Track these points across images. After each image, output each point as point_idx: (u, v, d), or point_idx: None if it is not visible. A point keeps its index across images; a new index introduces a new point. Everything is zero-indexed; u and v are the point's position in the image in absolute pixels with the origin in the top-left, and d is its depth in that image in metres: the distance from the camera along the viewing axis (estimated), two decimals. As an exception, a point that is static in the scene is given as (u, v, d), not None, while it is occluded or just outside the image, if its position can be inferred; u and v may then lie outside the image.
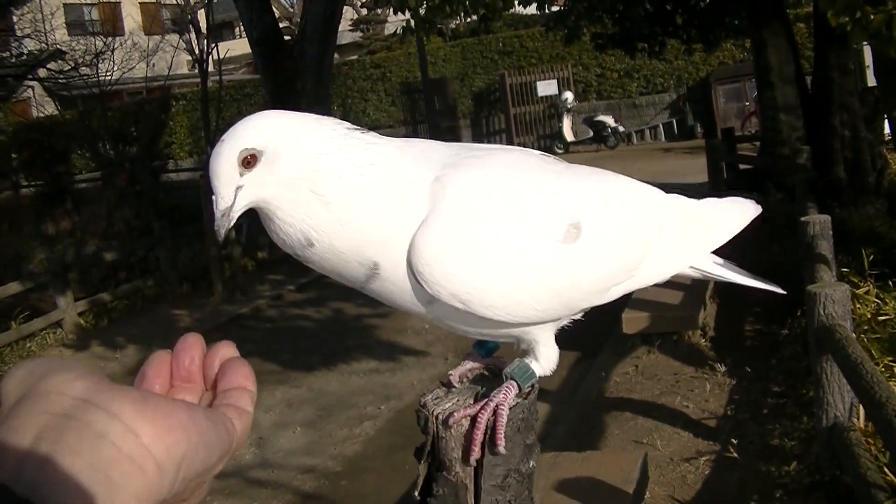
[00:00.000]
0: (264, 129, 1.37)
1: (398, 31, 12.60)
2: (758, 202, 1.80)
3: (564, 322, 1.59)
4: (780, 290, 1.82)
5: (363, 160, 1.39)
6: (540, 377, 1.56)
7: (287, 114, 1.43)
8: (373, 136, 1.45)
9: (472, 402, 1.53)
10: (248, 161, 1.34)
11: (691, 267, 1.72)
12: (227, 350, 0.95)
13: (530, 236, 1.42)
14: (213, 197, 1.36)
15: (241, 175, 1.34)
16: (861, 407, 5.11)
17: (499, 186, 1.44)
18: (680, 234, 1.67)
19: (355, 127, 1.45)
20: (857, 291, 7.22)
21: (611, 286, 1.56)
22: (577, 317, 1.59)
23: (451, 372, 1.62)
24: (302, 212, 1.35)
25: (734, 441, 6.08)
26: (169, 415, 0.79)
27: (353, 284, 1.44)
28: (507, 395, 1.48)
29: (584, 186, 1.54)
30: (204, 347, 0.95)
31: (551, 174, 1.52)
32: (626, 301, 8.41)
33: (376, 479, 6.93)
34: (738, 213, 1.76)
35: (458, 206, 1.38)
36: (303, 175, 1.35)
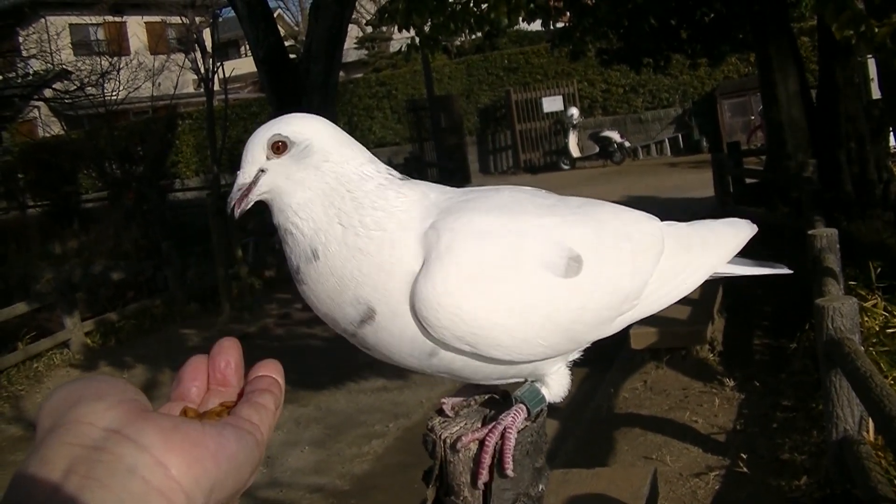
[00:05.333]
0: (304, 124, 1.42)
1: (403, 49, 12.60)
2: (755, 221, 1.80)
3: (575, 356, 1.59)
4: (787, 271, 1.82)
5: (390, 204, 1.41)
6: (549, 403, 1.56)
7: (332, 125, 1.47)
8: (405, 183, 1.47)
9: (479, 425, 1.52)
10: (279, 147, 1.39)
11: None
12: (270, 365, 0.97)
13: (531, 274, 1.41)
14: (238, 172, 1.41)
15: (269, 159, 1.39)
16: (871, 420, 5.09)
17: (494, 227, 1.43)
18: (680, 260, 1.67)
19: (391, 171, 1.48)
20: (865, 304, 7.20)
21: (615, 317, 1.56)
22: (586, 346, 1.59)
23: (444, 399, 1.61)
24: (316, 217, 1.39)
25: (744, 456, 6.06)
26: (198, 444, 0.80)
27: (342, 325, 1.43)
28: (515, 419, 1.47)
29: (578, 219, 1.53)
30: (240, 351, 0.97)
31: (544, 209, 1.52)
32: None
33: (385, 497, 6.91)
34: (733, 234, 1.76)
35: (456, 251, 1.38)
36: (330, 185, 1.39)
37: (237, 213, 1.43)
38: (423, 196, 1.47)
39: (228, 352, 0.97)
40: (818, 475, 5.54)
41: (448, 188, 1.55)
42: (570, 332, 1.47)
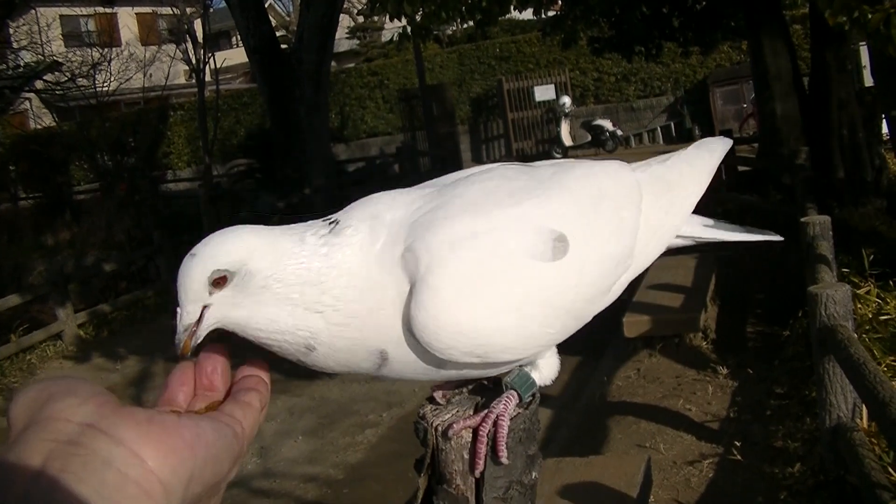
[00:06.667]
0: (238, 249, 1.34)
1: (395, 38, 12.58)
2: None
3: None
4: (777, 238, 1.79)
5: (345, 266, 1.36)
6: (541, 386, 1.55)
7: (259, 230, 1.39)
8: (343, 231, 1.41)
9: (471, 412, 1.51)
10: (219, 282, 1.31)
11: (680, 236, 1.68)
12: (257, 363, 0.97)
13: (520, 268, 1.39)
14: (178, 309, 1.31)
15: (211, 294, 1.31)
16: (864, 407, 5.10)
17: (470, 232, 1.40)
18: (662, 202, 1.63)
19: (326, 220, 1.42)
20: (858, 291, 7.21)
21: (613, 282, 1.53)
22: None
23: (434, 387, 1.60)
24: (287, 325, 1.34)
25: (737, 443, 6.07)
26: (173, 435, 0.80)
27: (365, 373, 1.41)
28: (507, 406, 1.46)
29: (553, 193, 1.50)
30: (227, 355, 0.96)
31: (517, 193, 1.48)
32: (627, 305, 8.41)
33: (379, 486, 6.92)
34: (708, 154, 1.73)
35: (438, 269, 1.35)
36: (285, 293, 1.33)
37: (188, 352, 1.29)
38: (372, 228, 1.42)
39: (215, 357, 0.97)
40: (812, 462, 5.55)
41: (405, 190, 1.52)
42: (573, 311, 1.46)
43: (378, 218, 1.44)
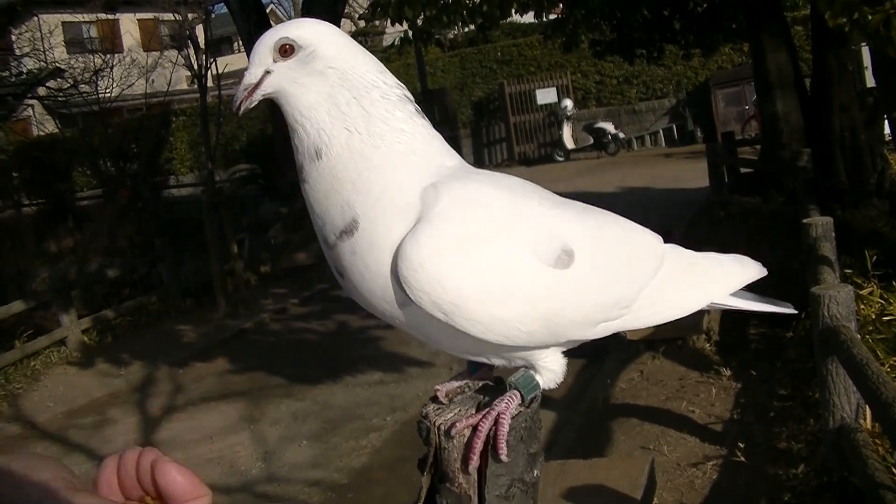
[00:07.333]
0: (314, 31, 1.45)
1: (396, 43, 12.61)
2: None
3: (564, 348, 1.57)
4: (792, 311, 1.79)
5: (396, 123, 1.44)
6: (544, 389, 1.55)
7: (342, 33, 1.50)
8: (419, 116, 1.50)
9: (474, 411, 1.52)
10: (286, 50, 1.42)
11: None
12: (150, 455, 0.92)
13: (520, 257, 1.40)
14: (245, 72, 1.46)
15: (275, 61, 1.43)
16: (868, 408, 5.09)
17: (495, 203, 1.43)
18: (677, 282, 1.64)
19: (404, 89, 1.50)
20: (860, 292, 7.20)
21: (599, 321, 1.53)
22: (574, 345, 1.57)
23: (437, 387, 1.60)
24: (320, 120, 1.42)
25: (741, 445, 6.07)
26: None
27: (326, 233, 1.45)
28: (509, 405, 1.46)
29: (581, 218, 1.53)
30: (155, 454, 0.92)
31: (550, 202, 1.52)
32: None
33: (383, 490, 6.92)
34: (739, 271, 1.73)
35: (452, 216, 1.38)
36: (335, 90, 1.42)
37: (241, 110, 1.48)
38: (428, 140, 1.48)
39: (108, 469, 0.93)
40: (815, 463, 5.54)
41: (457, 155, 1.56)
42: (551, 323, 1.45)
43: (449, 153, 1.52)
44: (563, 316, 1.46)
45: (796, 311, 1.81)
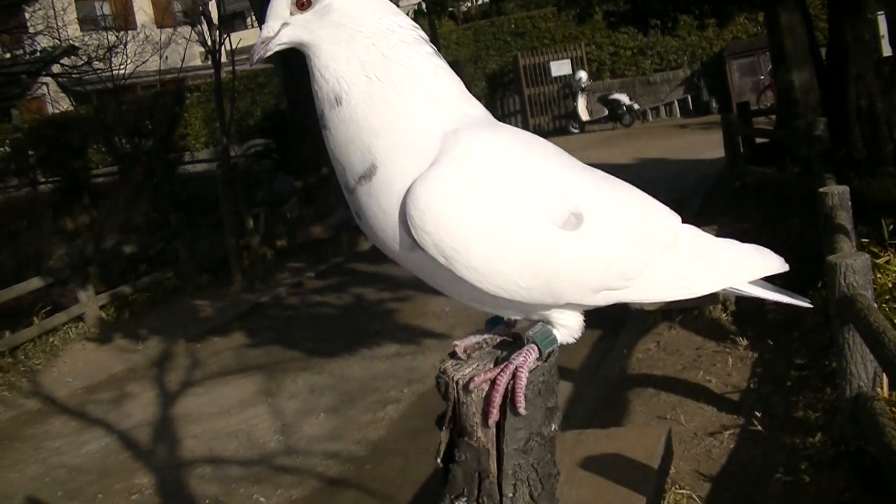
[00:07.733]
0: None
1: (410, 15, 12.58)
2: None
3: (582, 308, 1.58)
4: (808, 304, 1.79)
5: (417, 67, 1.47)
6: (562, 344, 1.55)
7: None
8: (437, 57, 1.52)
9: (491, 366, 1.52)
10: (302, 4, 1.46)
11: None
12: None
13: (528, 212, 1.41)
14: (262, 25, 1.49)
15: (292, 14, 1.47)
16: (885, 376, 5.09)
17: (511, 157, 1.44)
18: (689, 262, 1.64)
19: (421, 32, 1.52)
20: (877, 261, 7.18)
21: (601, 288, 1.53)
22: (580, 309, 1.58)
23: (456, 343, 1.61)
24: (339, 69, 1.45)
25: (758, 414, 6.06)
26: None
27: (346, 178, 1.47)
28: (527, 358, 1.47)
29: (597, 185, 1.54)
30: None
31: (570, 166, 1.52)
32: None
33: (401, 462, 6.95)
34: (760, 262, 1.72)
35: (466, 163, 1.38)
36: (353, 38, 1.44)
37: (255, 59, 1.53)
38: (448, 85, 1.51)
39: None
40: (832, 432, 5.54)
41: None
42: (550, 283, 1.46)
43: (470, 100, 1.53)
44: (562, 277, 1.46)
45: (811, 306, 1.82)
